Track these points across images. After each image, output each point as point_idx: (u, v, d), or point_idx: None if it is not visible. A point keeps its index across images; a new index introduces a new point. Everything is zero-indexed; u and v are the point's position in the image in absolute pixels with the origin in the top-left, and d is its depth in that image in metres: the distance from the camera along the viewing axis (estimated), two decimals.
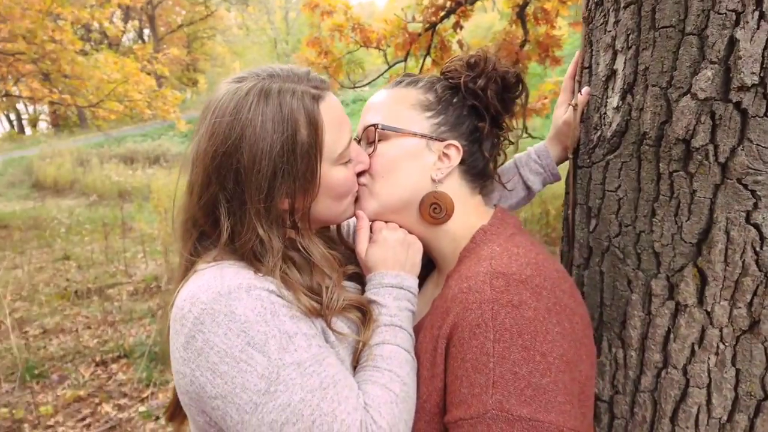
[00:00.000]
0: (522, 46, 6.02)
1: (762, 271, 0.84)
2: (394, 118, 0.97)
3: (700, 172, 0.86)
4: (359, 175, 0.98)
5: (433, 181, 0.96)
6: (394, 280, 0.94)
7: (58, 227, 9.56)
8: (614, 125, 0.97)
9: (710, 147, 0.85)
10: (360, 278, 1.03)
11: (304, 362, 0.80)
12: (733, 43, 0.81)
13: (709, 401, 0.92)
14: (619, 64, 0.96)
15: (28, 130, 31.15)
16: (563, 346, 0.78)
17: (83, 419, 3.74)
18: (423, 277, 1.06)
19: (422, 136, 0.96)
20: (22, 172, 18.85)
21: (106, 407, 3.85)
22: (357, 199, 1.00)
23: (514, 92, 1.01)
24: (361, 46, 6.52)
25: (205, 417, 0.84)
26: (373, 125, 0.97)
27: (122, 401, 3.95)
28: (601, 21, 1.02)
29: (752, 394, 0.89)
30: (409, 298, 0.94)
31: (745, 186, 0.83)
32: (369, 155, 0.98)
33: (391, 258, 0.96)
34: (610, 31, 0.99)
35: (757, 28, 0.79)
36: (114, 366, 4.50)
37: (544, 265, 0.85)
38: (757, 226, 0.83)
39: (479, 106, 0.98)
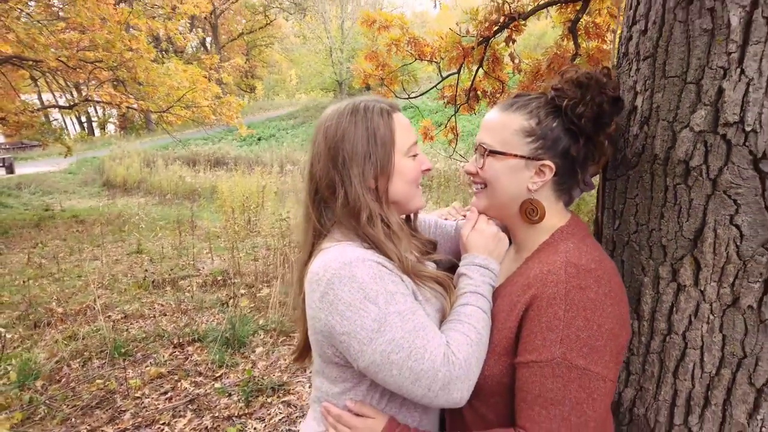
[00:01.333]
0: (573, 59, 6.21)
1: (741, 260, 1.13)
2: (500, 142, 1.23)
3: (696, 185, 1.16)
4: (473, 177, 1.32)
5: (529, 190, 1.24)
6: (483, 262, 1.28)
7: (138, 222, 10.25)
8: (634, 148, 1.28)
9: (703, 167, 1.14)
10: (442, 264, 1.39)
11: (403, 312, 1.14)
12: (721, 91, 1.11)
13: (702, 359, 1.21)
14: (639, 102, 1.27)
15: (97, 132, 32.93)
16: (613, 321, 1.09)
17: (165, 393, 4.20)
18: None
19: (521, 157, 1.22)
20: (93, 171, 20.09)
21: (185, 384, 4.30)
22: (475, 195, 1.33)
23: (608, 119, 1.21)
24: (416, 59, 6.84)
25: (333, 349, 1.19)
26: (484, 147, 1.26)
27: (198, 379, 4.39)
28: (626, 68, 1.33)
29: (734, 353, 1.17)
30: (491, 277, 1.28)
31: (729, 196, 1.12)
32: (480, 167, 1.28)
33: (483, 245, 1.31)
34: (632, 76, 1.30)
35: (739, 81, 1.08)
36: (190, 348, 4.97)
37: (604, 262, 1.16)
38: (738, 226, 1.12)
39: (575, 129, 1.20)
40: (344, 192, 1.24)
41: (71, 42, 10.73)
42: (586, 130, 1.20)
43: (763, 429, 1.17)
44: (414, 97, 7.11)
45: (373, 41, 7.35)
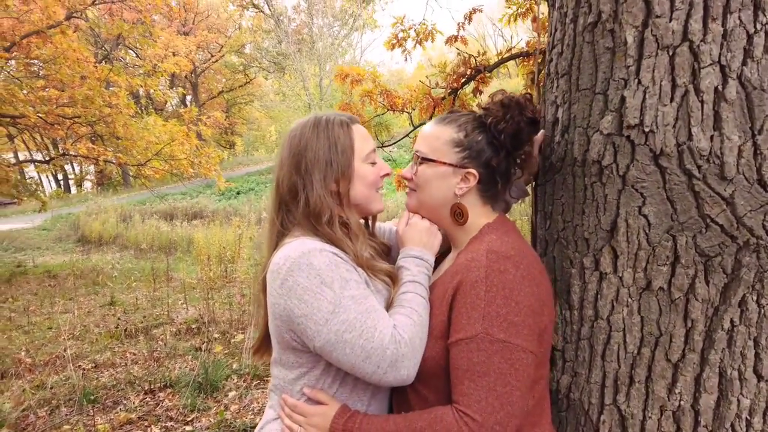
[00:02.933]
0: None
1: (651, 246, 1.27)
2: (432, 150, 1.40)
3: (609, 182, 1.31)
4: (408, 182, 1.47)
5: (456, 195, 1.39)
6: (418, 253, 1.41)
7: (110, 273, 10.16)
8: (557, 154, 1.44)
9: (613, 165, 1.30)
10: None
11: (356, 296, 1.26)
12: (623, 99, 1.28)
13: (624, 341, 1.33)
14: (560, 114, 1.44)
15: (73, 189, 32.77)
16: (530, 299, 1.23)
17: None
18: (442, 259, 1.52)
19: (449, 164, 1.38)
20: (68, 228, 19.88)
21: (155, 429, 4.25)
22: (407, 196, 1.48)
23: (525, 136, 1.38)
24: (388, 110, 7.12)
25: (291, 333, 1.30)
26: (419, 154, 1.43)
27: (169, 424, 4.34)
28: (549, 86, 1.51)
29: (651, 333, 1.30)
30: (426, 267, 1.40)
31: (637, 190, 1.28)
32: (414, 173, 1.44)
33: (418, 238, 1.44)
34: (554, 92, 1.48)
35: (637, 89, 1.26)
36: (161, 394, 4.92)
37: (523, 250, 1.31)
38: (645, 216, 1.27)
39: (496, 143, 1.37)
40: (306, 196, 1.38)
41: (50, 98, 10.90)
42: (506, 144, 1.37)
43: (681, 402, 1.28)
44: (388, 146, 7.35)
45: (348, 94, 7.65)
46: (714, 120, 1.21)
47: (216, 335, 6.42)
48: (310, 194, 1.38)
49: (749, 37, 1.18)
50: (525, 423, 1.29)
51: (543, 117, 1.55)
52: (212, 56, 28.82)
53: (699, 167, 1.22)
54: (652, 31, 1.24)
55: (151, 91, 13.41)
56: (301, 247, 1.30)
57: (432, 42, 7.40)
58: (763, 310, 1.24)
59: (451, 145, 1.38)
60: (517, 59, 7.07)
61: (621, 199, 1.30)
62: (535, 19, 3.19)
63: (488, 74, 6.79)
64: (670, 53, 1.23)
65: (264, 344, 1.50)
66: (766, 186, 1.20)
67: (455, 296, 1.26)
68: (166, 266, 10.28)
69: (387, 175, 1.51)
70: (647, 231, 1.28)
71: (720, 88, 1.20)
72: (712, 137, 1.21)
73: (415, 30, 7.31)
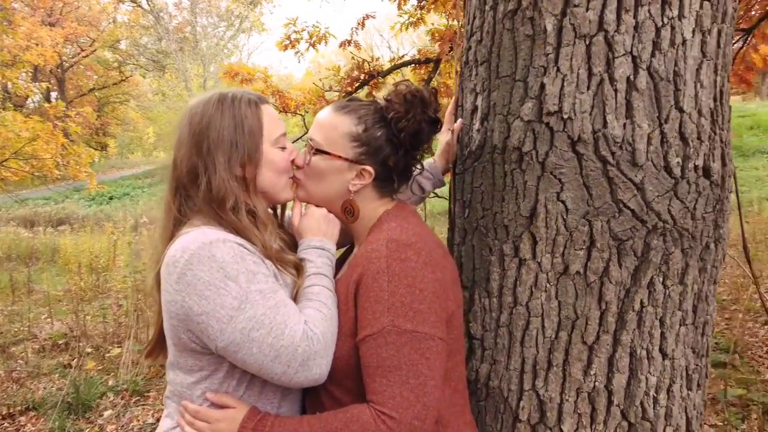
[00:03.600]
0: None
1: (568, 231, 1.30)
2: (328, 141, 1.30)
3: (528, 169, 1.33)
4: (296, 169, 1.38)
5: (349, 191, 1.31)
6: (318, 243, 1.32)
7: None
8: (476, 142, 1.44)
9: (533, 152, 1.32)
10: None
11: (264, 290, 1.15)
12: (543, 86, 1.30)
13: (543, 326, 1.35)
14: (479, 102, 1.44)
15: None
16: (434, 286, 1.18)
17: None
18: (345, 257, 1.44)
19: (345, 159, 1.29)
20: None
21: None
22: (295, 186, 1.39)
23: (425, 137, 1.33)
24: (280, 111, 6.97)
25: (189, 334, 1.16)
26: (312, 144, 1.33)
27: None
28: (467, 74, 1.51)
29: (568, 316, 1.32)
30: (329, 257, 1.32)
31: (555, 176, 1.30)
32: (306, 162, 1.34)
33: (316, 227, 1.35)
34: (473, 80, 1.47)
35: (556, 77, 1.28)
36: (22, 418, 4.39)
37: (423, 236, 1.26)
38: (563, 202, 1.30)
39: (395, 141, 1.29)
40: (207, 179, 1.25)
41: None
42: (405, 143, 1.31)
43: (596, 383, 1.32)
44: None
45: None
46: (626, 108, 1.26)
47: (88, 350, 5.86)
48: (213, 177, 1.24)
49: (657, 30, 1.25)
50: (448, 414, 1.25)
51: (461, 105, 1.55)
52: (82, 50, 26.64)
53: (613, 154, 1.26)
54: (570, 20, 1.27)
55: (9, 84, 12.09)
56: (201, 237, 1.17)
57: (326, 45, 7.38)
58: (667, 291, 1.31)
59: (349, 139, 1.30)
60: (410, 65, 7.23)
61: (540, 185, 1.32)
62: (455, 5, 3.21)
63: (382, 79, 6.87)
64: (587, 42, 1.26)
65: (158, 346, 1.34)
66: (671, 172, 1.27)
67: (358, 290, 1.20)
68: (26, 277, 9.28)
69: (301, 169, 1.41)
70: (565, 216, 1.30)
71: (632, 77, 1.25)
72: (624, 125, 1.26)
73: (308, 32, 7.25)
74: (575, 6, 1.26)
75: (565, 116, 1.27)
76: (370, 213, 1.33)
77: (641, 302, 1.29)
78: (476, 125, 1.45)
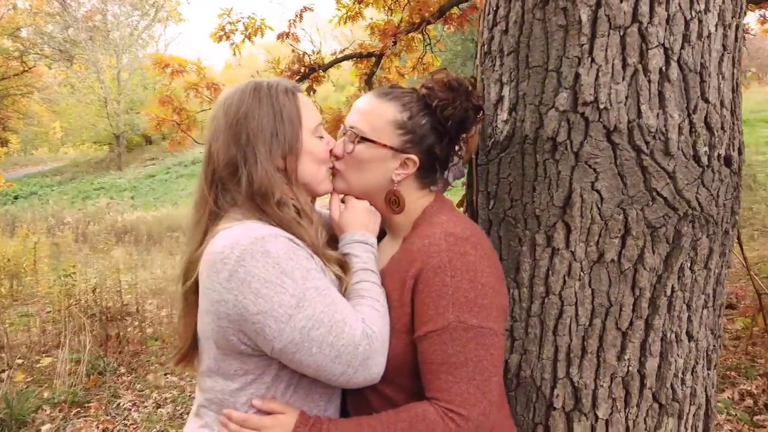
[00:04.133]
0: None
1: (603, 220, 1.32)
2: (372, 129, 1.26)
3: (562, 159, 1.33)
4: (335, 159, 1.32)
5: (393, 181, 1.28)
6: (362, 238, 1.27)
7: None
8: (504, 133, 1.43)
9: (567, 142, 1.32)
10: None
11: (319, 287, 1.09)
12: (578, 76, 1.31)
13: (576, 314, 1.36)
14: (505, 92, 1.43)
15: None
16: (492, 280, 1.18)
17: None
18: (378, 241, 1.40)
19: (391, 148, 1.26)
20: None
21: None
22: (333, 177, 1.33)
23: (470, 125, 1.32)
24: None
25: (241, 335, 1.08)
26: (356, 132, 1.27)
27: None
28: (490, 64, 1.50)
29: (602, 304, 1.35)
30: (373, 251, 1.28)
31: (590, 166, 1.31)
32: (348, 152, 1.29)
33: (360, 221, 1.30)
34: (497, 70, 1.46)
35: (590, 67, 1.29)
36: None
37: (475, 229, 1.26)
38: (598, 191, 1.31)
39: (441, 129, 1.27)
40: (248, 172, 1.17)
41: None
42: (451, 131, 1.29)
43: (629, 367, 1.35)
44: None
45: (167, 87, 7.03)
46: (659, 99, 1.29)
47: (19, 361, 5.42)
48: (254, 170, 1.17)
49: (686, 23, 1.29)
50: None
51: (483, 95, 1.53)
52: None
53: (647, 143, 1.29)
54: (605, 11, 1.28)
55: None
56: (251, 232, 1.10)
57: (262, 37, 7.18)
58: (694, 275, 1.36)
59: (394, 127, 1.27)
60: (351, 59, 7.16)
61: (574, 175, 1.33)
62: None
63: (323, 73, 6.78)
64: (621, 33, 1.28)
65: (190, 351, 1.25)
66: (699, 161, 1.31)
67: (416, 285, 1.17)
68: None
69: (340, 159, 1.35)
70: (599, 206, 1.32)
71: (664, 69, 1.29)
72: (657, 115, 1.29)
73: (243, 23, 7.02)
74: None
75: (602, 106, 1.29)
76: (411, 204, 1.30)
77: (672, 287, 1.34)
78: (502, 115, 1.44)
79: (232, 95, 1.22)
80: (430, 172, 1.32)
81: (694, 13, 1.29)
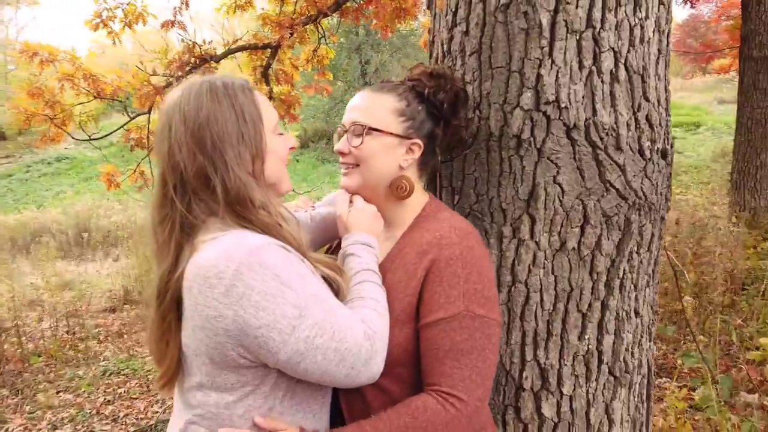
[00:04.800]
0: (270, 100, 6.54)
1: (564, 211, 1.42)
2: (377, 120, 1.30)
3: (527, 155, 1.41)
4: (343, 157, 1.33)
5: (400, 167, 1.32)
6: (366, 240, 1.28)
7: None
8: (469, 130, 1.48)
9: (531, 139, 1.41)
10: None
11: (317, 293, 1.08)
12: (539, 77, 1.39)
13: (541, 300, 1.45)
14: (470, 91, 1.48)
15: None
16: (491, 273, 1.27)
17: None
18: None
19: (396, 135, 1.31)
20: None
21: None
22: (345, 176, 1.33)
23: (463, 105, 1.41)
24: (95, 97, 6.25)
25: (241, 350, 1.04)
26: (362, 124, 1.29)
27: None
28: (450, 64, 1.54)
29: (564, 289, 1.45)
30: (375, 254, 1.28)
31: (552, 161, 1.40)
32: (356, 146, 1.30)
33: (367, 224, 1.30)
34: (458, 70, 1.51)
35: (551, 69, 1.38)
36: None
37: (472, 226, 1.33)
38: (560, 184, 1.41)
39: (436, 113, 1.35)
40: (221, 179, 1.10)
41: None
42: (447, 114, 1.37)
43: (589, 346, 1.47)
44: (97, 139, 6.43)
45: (36, 78, 6.41)
46: (611, 98, 1.41)
47: None
48: (226, 177, 1.10)
49: (631, 29, 1.41)
50: None
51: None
52: None
53: (601, 139, 1.40)
54: (562, 15, 1.37)
55: None
56: (242, 243, 1.05)
57: (144, 25, 6.77)
58: (640, 258, 1.50)
59: (396, 115, 1.31)
60: (246, 50, 6.95)
61: (537, 169, 1.41)
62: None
63: (215, 64, 6.52)
64: (578, 37, 1.38)
65: (176, 374, 1.17)
66: (643, 154, 1.45)
67: (428, 275, 1.21)
68: None
69: (293, 148, 1.32)
70: (561, 198, 1.42)
71: (614, 70, 1.41)
72: (609, 113, 1.41)
73: (122, 10, 6.57)
74: (567, 3, 1.37)
75: (562, 105, 1.38)
76: (413, 197, 1.35)
77: (624, 270, 1.47)
78: (467, 114, 1.49)
79: (186, 99, 1.13)
80: (430, 157, 1.38)
81: (637, 20, 1.42)
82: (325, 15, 6.51)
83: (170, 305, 1.11)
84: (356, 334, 1.09)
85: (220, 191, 1.10)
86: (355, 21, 6.99)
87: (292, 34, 6.41)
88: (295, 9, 6.66)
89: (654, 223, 1.51)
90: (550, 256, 1.44)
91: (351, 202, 1.36)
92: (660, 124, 1.48)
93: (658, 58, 1.48)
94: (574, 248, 1.44)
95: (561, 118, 1.39)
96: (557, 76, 1.38)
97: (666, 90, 1.53)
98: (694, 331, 3.26)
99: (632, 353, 1.53)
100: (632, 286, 1.50)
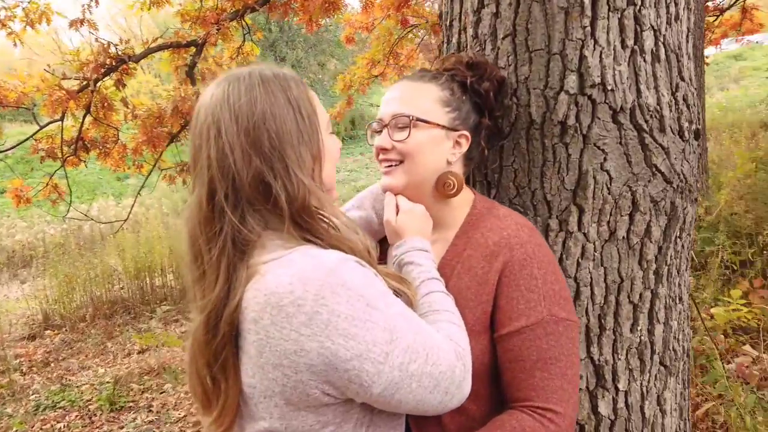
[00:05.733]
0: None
1: (613, 199, 1.34)
2: (423, 111, 1.17)
3: (572, 142, 1.33)
4: (384, 153, 1.19)
5: (448, 162, 1.21)
6: (422, 245, 1.14)
7: None
8: (507, 119, 1.38)
9: (576, 125, 1.32)
10: None
11: (402, 311, 0.94)
12: (583, 58, 1.30)
13: (592, 293, 1.38)
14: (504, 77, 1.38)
15: None
16: (561, 270, 1.17)
17: None
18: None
19: (444, 127, 1.19)
20: None
21: None
22: (387, 175, 1.17)
23: (504, 96, 1.32)
24: None
25: (326, 386, 0.88)
26: (407, 115, 1.16)
27: None
28: (477, 49, 1.43)
29: (614, 281, 1.38)
30: (432, 258, 1.15)
31: (599, 147, 1.33)
32: (401, 140, 1.16)
33: (418, 227, 1.16)
34: (489, 54, 1.40)
35: (594, 49, 1.30)
36: None
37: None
38: (607, 171, 1.34)
39: (481, 104, 1.26)
40: (283, 185, 0.94)
41: None
42: (491, 104, 1.27)
43: (642, 337, 1.41)
44: (4, 151, 5.83)
45: None
46: (654, 79, 1.35)
47: None
48: (288, 183, 0.94)
49: (666, 6, 1.36)
50: None
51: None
52: None
53: (647, 122, 1.34)
54: None
55: None
56: (318, 262, 0.89)
57: (48, 24, 6.26)
58: (682, 242, 1.46)
59: (442, 105, 1.20)
60: (168, 49, 6.53)
61: (584, 157, 1.33)
62: None
63: (133, 65, 6.09)
64: (619, 15, 1.31)
65: (234, 421, 0.99)
66: (683, 136, 1.41)
67: (501, 280, 1.10)
68: None
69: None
70: (609, 186, 1.34)
71: (654, 50, 1.35)
72: (653, 94, 1.35)
73: (23, 9, 6.05)
74: None
75: (609, 87, 1.31)
76: (461, 194, 1.23)
77: (671, 256, 1.42)
78: (503, 101, 1.38)
79: (236, 93, 0.96)
80: (475, 151, 1.28)
81: None
82: (253, 10, 6.24)
83: (226, 341, 0.93)
84: (449, 356, 0.96)
85: (284, 200, 0.93)
86: (283, 16, 6.75)
87: (218, 30, 6.10)
88: (216, 5, 6.35)
89: (692, 205, 1.47)
90: (599, 248, 1.37)
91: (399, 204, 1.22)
92: (694, 104, 1.44)
93: (687, 35, 1.44)
94: (623, 237, 1.37)
95: (607, 101, 1.31)
96: (601, 57, 1.30)
97: (696, 69, 1.50)
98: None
99: (678, 340, 1.49)
100: (676, 272, 1.46)
